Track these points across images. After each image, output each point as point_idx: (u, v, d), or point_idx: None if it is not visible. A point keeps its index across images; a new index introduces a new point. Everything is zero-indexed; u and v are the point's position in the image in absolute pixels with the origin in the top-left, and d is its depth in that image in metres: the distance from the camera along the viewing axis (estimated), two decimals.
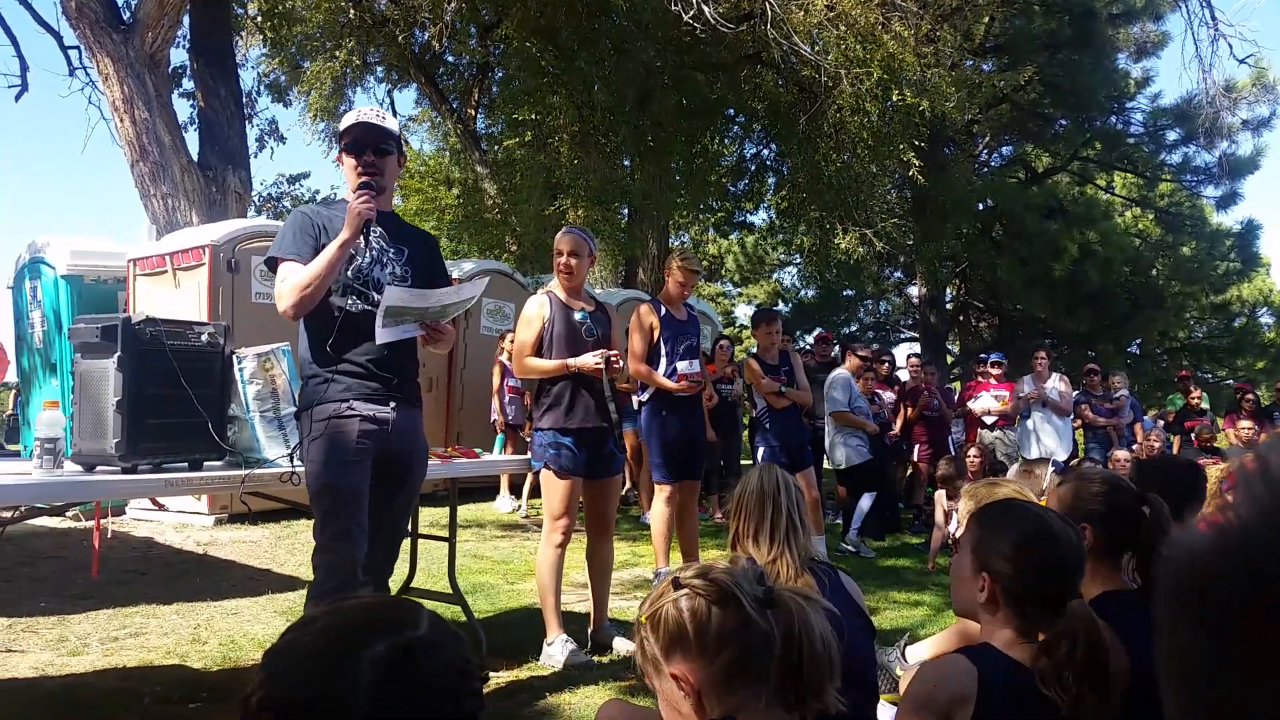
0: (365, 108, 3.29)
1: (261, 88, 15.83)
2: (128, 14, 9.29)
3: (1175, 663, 0.53)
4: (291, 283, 3.02)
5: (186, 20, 9.98)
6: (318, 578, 3.02)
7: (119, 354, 3.21)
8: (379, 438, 3.08)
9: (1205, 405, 11.12)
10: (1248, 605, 0.49)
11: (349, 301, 3.09)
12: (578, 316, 4.33)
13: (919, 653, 3.07)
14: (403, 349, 3.18)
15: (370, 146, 3.14)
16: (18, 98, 11.32)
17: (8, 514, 3.82)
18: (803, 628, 1.46)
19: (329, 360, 3.08)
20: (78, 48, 10.11)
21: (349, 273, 3.09)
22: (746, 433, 10.47)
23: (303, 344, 3.19)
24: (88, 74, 10.75)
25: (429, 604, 3.21)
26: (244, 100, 11.97)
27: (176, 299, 7.62)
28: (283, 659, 0.90)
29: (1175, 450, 10.01)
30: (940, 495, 6.93)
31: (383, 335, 3.02)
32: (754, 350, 7.05)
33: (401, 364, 3.19)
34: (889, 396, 9.48)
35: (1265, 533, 0.50)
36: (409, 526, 3.44)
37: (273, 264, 3.13)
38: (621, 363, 4.30)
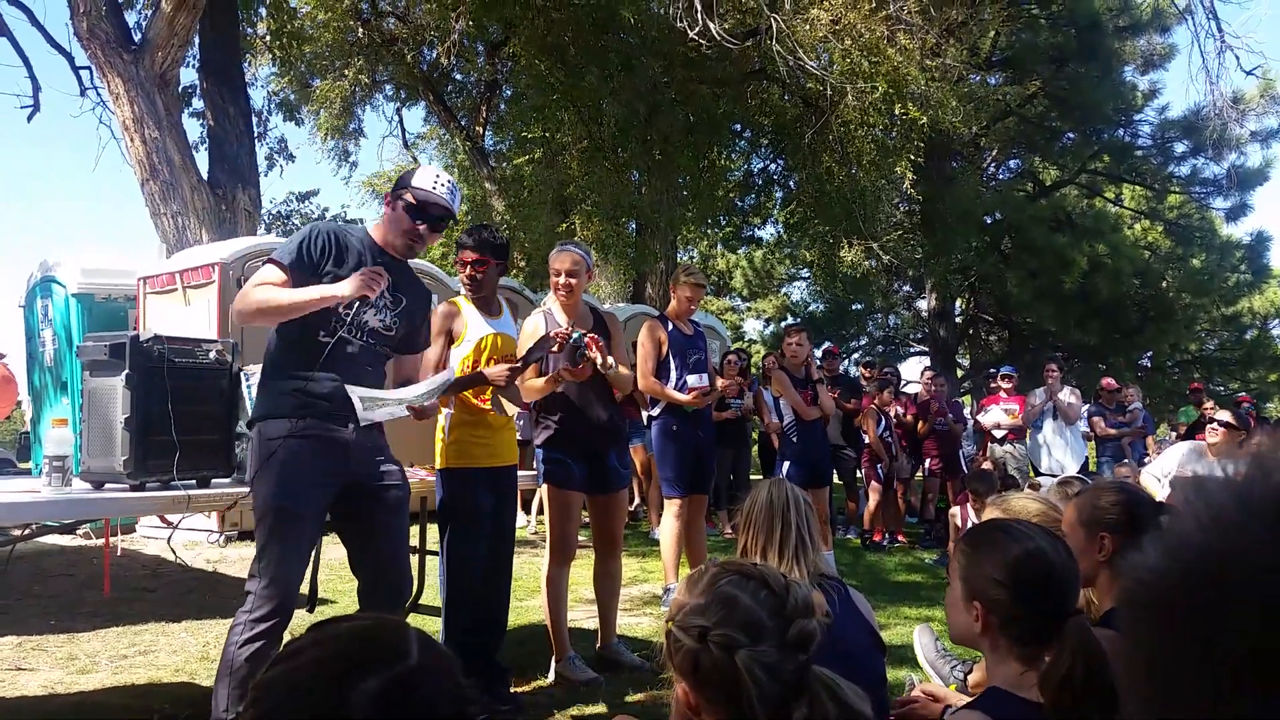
0: (444, 180, 3.21)
1: (271, 106, 15.99)
2: (138, 34, 9.38)
3: (1145, 675, 0.57)
4: (260, 299, 2.91)
5: (196, 40, 10.06)
6: (245, 604, 2.86)
7: (127, 371, 3.22)
8: (338, 460, 2.97)
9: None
10: (1202, 610, 0.53)
11: (332, 335, 2.99)
12: (574, 338, 4.26)
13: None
14: (370, 374, 3.09)
15: (434, 223, 3.16)
16: (30, 118, 11.41)
17: (18, 531, 3.83)
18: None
19: (286, 377, 2.97)
20: (89, 68, 10.18)
21: (339, 308, 2.98)
22: (756, 448, 10.46)
23: (271, 349, 3.06)
24: (99, 94, 10.82)
25: (437, 622, 3.17)
26: (253, 119, 12.06)
27: (186, 317, 7.66)
28: (272, 696, 0.87)
29: None
30: (956, 511, 6.89)
31: (368, 420, 2.98)
32: (782, 363, 7.02)
33: (368, 387, 3.05)
34: (896, 409, 9.44)
35: (1211, 543, 0.54)
36: (405, 550, 3.28)
37: (269, 262, 3.03)
38: (595, 354, 4.06)
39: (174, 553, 6.56)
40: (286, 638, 2.60)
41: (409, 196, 3.12)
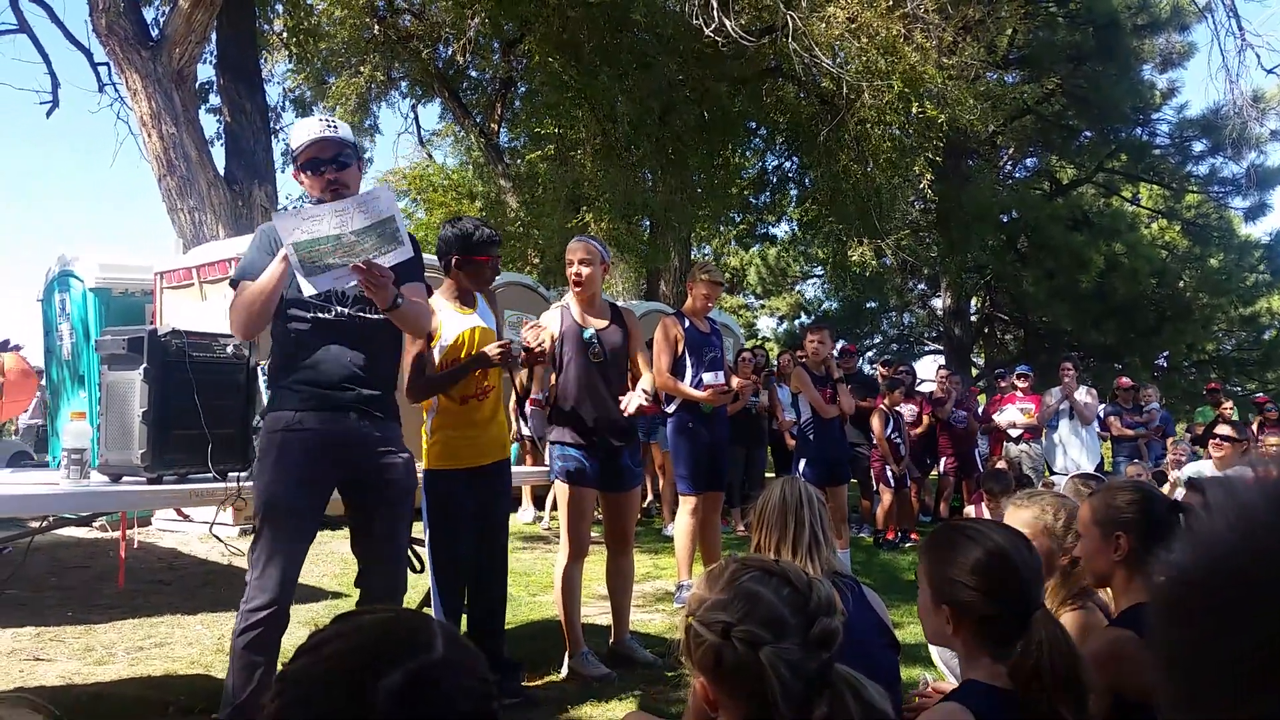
0: (314, 121, 3.12)
1: (287, 103, 16.01)
2: (156, 31, 9.42)
3: (1168, 673, 0.57)
4: (236, 303, 2.97)
5: (213, 37, 10.11)
6: (245, 595, 2.89)
7: (145, 366, 3.24)
8: (337, 452, 2.96)
9: (1235, 418, 10.97)
10: (1224, 609, 0.53)
11: (308, 314, 2.98)
12: (585, 335, 4.27)
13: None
14: (371, 362, 3.02)
15: (329, 163, 3.00)
16: (49, 113, 11.49)
17: (36, 524, 3.86)
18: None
19: (289, 372, 2.99)
20: (107, 64, 10.26)
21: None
22: (769, 446, 10.43)
23: (273, 356, 3.10)
24: (116, 90, 10.91)
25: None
26: (270, 115, 12.09)
27: (203, 311, 7.68)
28: (296, 687, 0.87)
29: None
30: (971, 510, 6.86)
31: (310, 286, 2.82)
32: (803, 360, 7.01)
33: (368, 376, 3.00)
34: (910, 409, 9.38)
35: (1238, 541, 0.54)
36: (400, 544, 3.25)
37: (235, 284, 3.04)
38: (516, 350, 3.90)
39: (220, 542, 6.58)
40: (310, 629, 2.61)
41: (299, 163, 3.03)
